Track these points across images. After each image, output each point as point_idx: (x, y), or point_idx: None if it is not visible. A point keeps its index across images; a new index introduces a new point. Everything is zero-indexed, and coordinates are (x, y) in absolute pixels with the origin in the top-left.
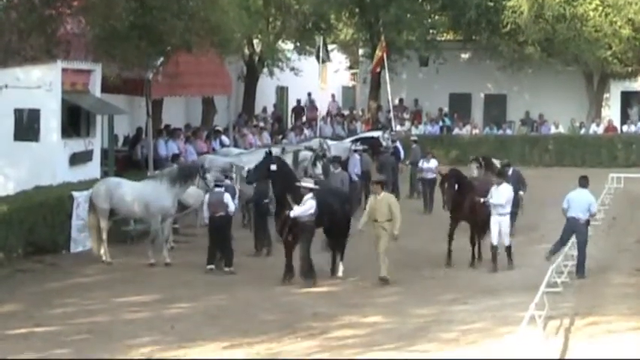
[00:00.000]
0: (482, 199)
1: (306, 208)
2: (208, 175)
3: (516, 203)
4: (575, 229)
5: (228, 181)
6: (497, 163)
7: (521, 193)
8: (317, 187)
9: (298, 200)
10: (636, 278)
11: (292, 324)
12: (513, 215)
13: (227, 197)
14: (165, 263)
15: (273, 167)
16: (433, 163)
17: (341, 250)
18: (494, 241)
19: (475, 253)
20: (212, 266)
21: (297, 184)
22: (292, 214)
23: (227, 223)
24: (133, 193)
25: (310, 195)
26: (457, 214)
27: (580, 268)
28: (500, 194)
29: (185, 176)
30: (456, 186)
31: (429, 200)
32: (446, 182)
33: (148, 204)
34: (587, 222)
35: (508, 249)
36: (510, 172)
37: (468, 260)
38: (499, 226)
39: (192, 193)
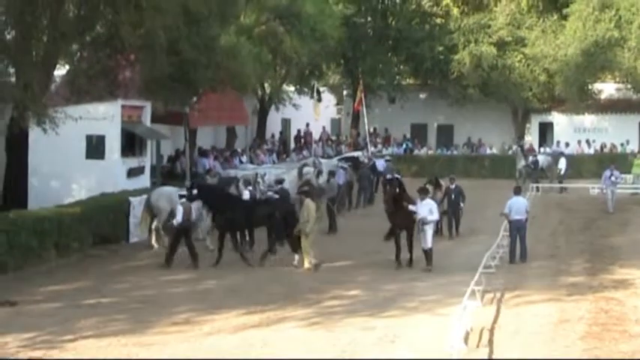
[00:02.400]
0: (411, 208)
1: (178, 215)
2: (240, 185)
3: (458, 212)
4: (519, 226)
5: (250, 188)
6: (443, 181)
7: (462, 204)
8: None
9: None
10: (550, 262)
11: (293, 296)
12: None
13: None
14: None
15: (195, 192)
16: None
17: (290, 244)
18: (424, 245)
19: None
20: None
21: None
22: (175, 222)
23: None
24: None
25: (181, 202)
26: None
27: (523, 254)
28: (424, 207)
29: (224, 185)
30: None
31: None
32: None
33: (199, 206)
34: (526, 220)
35: (428, 251)
36: (453, 186)
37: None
38: (425, 233)
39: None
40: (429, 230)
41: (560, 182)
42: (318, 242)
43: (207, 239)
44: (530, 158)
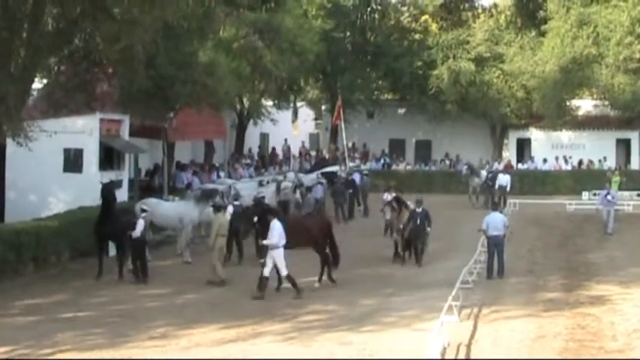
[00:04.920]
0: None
1: (138, 227)
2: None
3: (423, 237)
4: (497, 242)
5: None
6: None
7: (428, 229)
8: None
9: None
10: (528, 278)
11: (271, 310)
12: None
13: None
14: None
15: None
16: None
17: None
18: (266, 273)
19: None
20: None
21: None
22: (133, 235)
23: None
24: (170, 209)
25: (142, 215)
26: None
27: (500, 270)
28: (271, 232)
29: (206, 197)
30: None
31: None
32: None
33: (181, 218)
34: (504, 236)
35: (287, 278)
36: (420, 209)
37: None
38: (273, 259)
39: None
40: (275, 255)
41: (501, 198)
42: (296, 257)
43: (185, 254)
44: (484, 174)
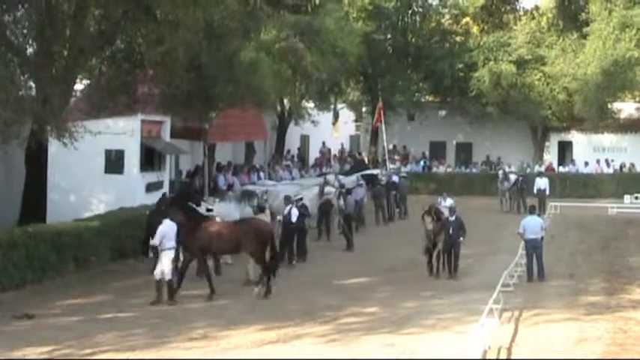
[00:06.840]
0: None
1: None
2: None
3: (457, 248)
4: (535, 245)
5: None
6: (446, 210)
7: (461, 239)
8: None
9: None
10: (569, 281)
11: (311, 312)
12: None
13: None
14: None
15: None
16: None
17: None
18: (157, 276)
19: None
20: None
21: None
22: None
23: None
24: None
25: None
26: None
27: (541, 273)
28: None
29: (247, 198)
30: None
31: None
32: None
33: (223, 218)
34: (542, 238)
35: (156, 283)
36: (453, 218)
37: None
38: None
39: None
40: (167, 256)
41: (541, 203)
42: (336, 259)
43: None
44: (513, 177)
